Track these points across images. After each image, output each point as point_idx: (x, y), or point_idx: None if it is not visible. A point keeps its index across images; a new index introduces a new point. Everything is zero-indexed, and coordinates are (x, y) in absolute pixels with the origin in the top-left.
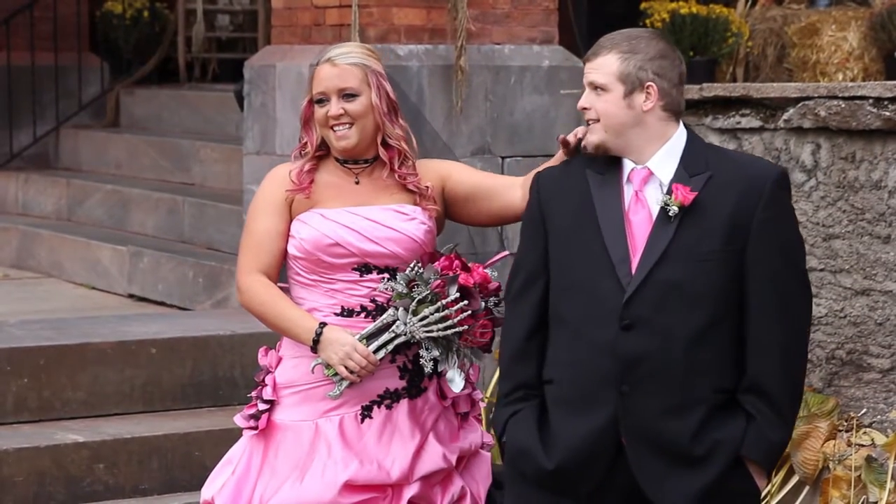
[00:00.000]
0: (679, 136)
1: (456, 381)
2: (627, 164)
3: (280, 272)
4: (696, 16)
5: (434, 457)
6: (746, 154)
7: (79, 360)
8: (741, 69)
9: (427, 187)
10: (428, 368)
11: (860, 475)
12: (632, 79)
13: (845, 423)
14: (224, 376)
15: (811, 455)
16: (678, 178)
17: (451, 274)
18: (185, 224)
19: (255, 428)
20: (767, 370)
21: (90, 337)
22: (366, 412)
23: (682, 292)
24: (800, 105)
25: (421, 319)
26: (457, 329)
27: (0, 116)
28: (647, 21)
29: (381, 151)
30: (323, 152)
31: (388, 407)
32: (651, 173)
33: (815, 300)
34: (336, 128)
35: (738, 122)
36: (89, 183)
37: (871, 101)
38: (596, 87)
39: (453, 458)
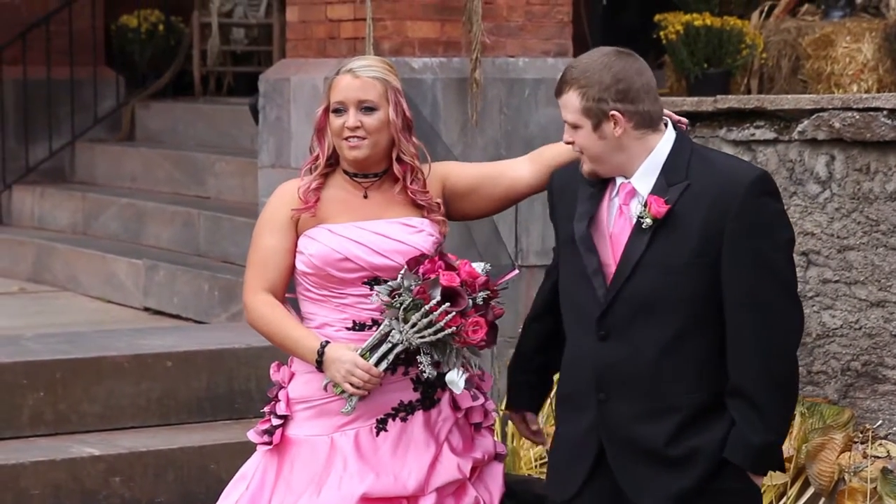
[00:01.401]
0: (663, 146)
1: (456, 383)
2: (618, 179)
3: (287, 288)
4: (711, 28)
5: (449, 468)
6: (731, 158)
7: (94, 374)
8: (755, 81)
9: (438, 204)
10: (426, 373)
11: (876, 487)
12: (594, 112)
13: (861, 435)
14: (240, 389)
15: (827, 467)
16: (657, 189)
17: (432, 277)
18: (200, 237)
19: (269, 443)
20: (747, 375)
21: (106, 350)
22: (381, 425)
23: (653, 303)
24: (814, 117)
25: (412, 326)
26: (445, 331)
27: (16, 130)
28: (662, 33)
29: (396, 167)
30: (330, 169)
31: (404, 419)
32: (634, 188)
33: (830, 312)
34: (350, 139)
35: (753, 134)
36: (105, 196)
37: (885, 112)
38: (569, 125)
39: (467, 469)
